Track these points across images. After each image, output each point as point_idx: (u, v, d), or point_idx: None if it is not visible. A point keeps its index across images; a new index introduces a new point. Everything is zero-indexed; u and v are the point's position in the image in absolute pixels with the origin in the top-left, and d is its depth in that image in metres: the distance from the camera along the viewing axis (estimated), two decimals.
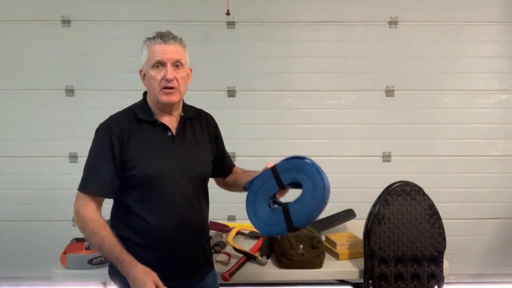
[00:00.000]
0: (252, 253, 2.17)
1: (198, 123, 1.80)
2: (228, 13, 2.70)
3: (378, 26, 3.46)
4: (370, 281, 2.04)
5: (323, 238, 2.27)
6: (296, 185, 1.63)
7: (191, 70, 1.77)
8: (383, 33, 3.46)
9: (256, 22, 3.44)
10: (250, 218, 1.66)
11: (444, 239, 2.05)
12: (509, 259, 3.62)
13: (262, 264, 2.11)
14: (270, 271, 2.09)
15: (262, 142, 3.44)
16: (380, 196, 2.08)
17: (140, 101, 1.75)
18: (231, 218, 3.40)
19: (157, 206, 1.64)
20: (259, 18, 3.44)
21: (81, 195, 1.62)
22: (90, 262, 2.01)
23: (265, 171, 1.67)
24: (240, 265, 2.07)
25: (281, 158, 1.68)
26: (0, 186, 3.46)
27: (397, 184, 2.06)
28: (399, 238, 2.03)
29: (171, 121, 1.72)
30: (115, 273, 1.65)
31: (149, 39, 1.67)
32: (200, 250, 1.76)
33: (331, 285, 2.38)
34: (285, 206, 1.59)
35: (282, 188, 1.65)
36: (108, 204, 1.72)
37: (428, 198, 2.06)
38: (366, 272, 2.05)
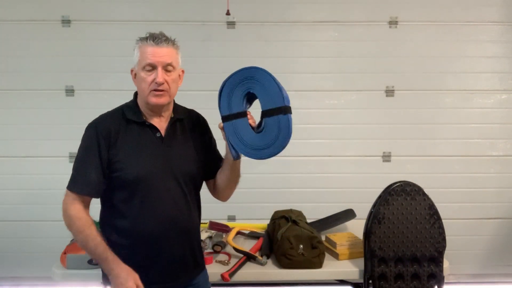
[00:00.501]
0: (252, 253, 2.17)
1: (189, 124, 1.79)
2: (228, 13, 2.71)
3: (378, 26, 3.46)
4: (370, 281, 2.04)
5: (323, 238, 2.27)
6: (250, 99, 1.70)
7: (183, 71, 1.75)
8: (383, 33, 3.46)
9: (256, 22, 3.44)
10: (267, 155, 1.65)
11: (444, 239, 2.05)
12: (509, 259, 3.62)
13: (262, 264, 2.11)
14: (270, 271, 2.09)
15: None
16: (380, 196, 2.08)
17: (130, 101, 1.74)
18: (231, 218, 3.41)
19: (144, 207, 1.64)
20: (259, 18, 3.44)
21: (69, 193, 1.63)
22: (90, 262, 2.01)
23: (225, 128, 1.68)
24: (240, 265, 2.07)
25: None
26: (0, 186, 3.46)
27: (397, 184, 2.06)
28: (399, 238, 2.03)
29: (160, 122, 1.71)
30: (106, 276, 1.66)
31: (141, 39, 1.65)
32: (188, 252, 1.74)
33: (331, 285, 2.38)
34: (264, 112, 1.64)
35: (246, 114, 1.68)
36: (98, 204, 1.72)
37: (428, 198, 2.06)
38: (366, 272, 2.05)
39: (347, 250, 2.20)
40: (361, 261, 2.10)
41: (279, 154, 1.65)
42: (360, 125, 3.51)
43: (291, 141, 1.66)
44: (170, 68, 1.64)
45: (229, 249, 2.26)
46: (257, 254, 2.17)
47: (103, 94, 3.39)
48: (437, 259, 2.04)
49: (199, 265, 1.83)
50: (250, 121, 1.67)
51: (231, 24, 3.43)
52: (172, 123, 1.73)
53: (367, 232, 2.05)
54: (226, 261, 2.13)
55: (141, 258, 1.65)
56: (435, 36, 3.46)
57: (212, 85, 3.43)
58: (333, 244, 2.24)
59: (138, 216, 1.64)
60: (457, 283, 3.59)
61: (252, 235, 2.47)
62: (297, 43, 3.46)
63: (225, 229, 2.46)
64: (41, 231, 3.46)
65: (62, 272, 2.04)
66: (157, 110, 1.69)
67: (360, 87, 3.49)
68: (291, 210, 2.43)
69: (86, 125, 1.68)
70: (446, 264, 2.09)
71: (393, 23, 3.46)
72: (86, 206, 1.65)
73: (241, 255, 2.15)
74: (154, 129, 1.69)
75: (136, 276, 1.57)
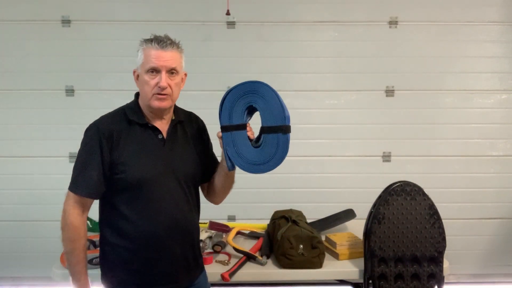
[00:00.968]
0: (252, 253, 2.17)
1: (188, 126, 1.79)
2: (228, 13, 2.70)
3: (378, 26, 3.46)
4: (370, 281, 2.04)
5: (323, 238, 2.27)
6: (250, 111, 1.69)
7: (185, 74, 1.74)
8: (383, 33, 3.46)
9: (256, 22, 3.44)
10: (263, 170, 1.66)
11: (444, 239, 2.05)
12: (509, 259, 3.63)
13: (262, 264, 2.11)
14: (270, 271, 2.09)
15: None
16: (380, 196, 2.07)
17: (131, 103, 1.73)
18: (231, 218, 3.41)
19: (146, 209, 1.63)
20: (259, 18, 3.44)
21: (71, 195, 1.62)
22: (90, 262, 2.01)
23: (223, 138, 1.68)
24: (240, 265, 2.07)
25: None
26: (0, 186, 3.46)
27: (397, 184, 2.06)
28: (399, 238, 2.03)
29: (162, 124, 1.70)
30: (106, 278, 1.68)
31: (146, 41, 1.64)
32: (190, 253, 1.74)
33: (331, 285, 2.38)
34: (264, 128, 1.63)
35: (245, 126, 1.67)
36: (97, 205, 1.72)
37: (428, 198, 2.06)
38: (366, 272, 2.05)
39: (347, 250, 2.20)
40: (361, 261, 2.10)
41: None
42: (360, 125, 3.51)
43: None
44: (173, 72, 1.64)
45: (229, 249, 2.26)
46: (257, 254, 2.17)
47: (103, 94, 3.39)
48: (437, 259, 2.04)
49: (199, 266, 1.83)
50: (249, 133, 1.67)
51: (231, 24, 3.43)
52: (174, 125, 1.73)
53: (367, 232, 2.05)
54: (226, 261, 2.13)
55: (144, 260, 1.65)
56: (435, 36, 3.46)
57: (212, 85, 3.47)
58: (333, 244, 2.24)
59: (141, 218, 1.63)
60: (457, 283, 3.59)
61: (252, 235, 2.47)
62: (297, 43, 3.46)
63: (225, 229, 2.46)
64: (41, 231, 3.46)
65: (62, 272, 2.04)
66: (159, 113, 1.69)
67: (360, 87, 3.49)
68: (291, 210, 2.43)
69: (86, 125, 1.67)
70: (446, 264, 2.09)
71: (393, 23, 3.46)
72: (86, 210, 1.65)
73: (241, 255, 2.15)
74: (156, 130, 1.69)
75: None
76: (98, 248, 2.11)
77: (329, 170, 3.54)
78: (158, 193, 1.64)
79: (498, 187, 3.55)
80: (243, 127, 1.67)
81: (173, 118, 1.74)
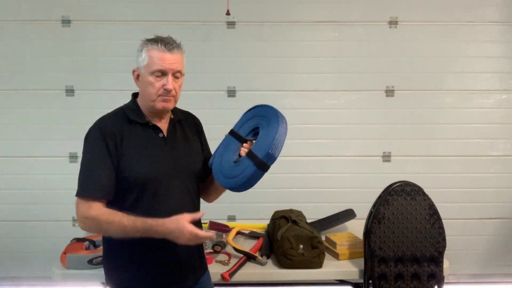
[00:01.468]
0: (252, 253, 2.17)
1: (187, 124, 1.80)
2: (228, 13, 2.71)
3: (378, 26, 3.46)
4: (370, 281, 2.04)
5: (323, 238, 2.27)
6: (256, 133, 1.70)
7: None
8: (383, 33, 3.46)
9: (256, 22, 3.44)
10: (221, 182, 1.67)
11: (444, 239, 2.05)
12: (509, 259, 3.63)
13: (262, 264, 2.11)
14: (270, 271, 2.09)
15: None
16: (380, 196, 2.08)
17: (130, 103, 1.73)
18: (231, 218, 3.41)
19: (151, 208, 1.62)
20: (259, 18, 3.44)
21: (81, 201, 1.57)
22: (90, 262, 2.01)
23: (225, 138, 1.76)
24: (240, 265, 2.07)
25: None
26: (0, 186, 3.46)
27: (397, 184, 2.06)
28: (399, 238, 2.03)
29: (161, 123, 1.71)
30: (111, 279, 1.67)
31: (150, 42, 1.62)
32: (195, 252, 1.75)
33: (331, 285, 2.37)
34: (249, 151, 1.63)
35: (245, 142, 1.70)
36: None
37: (428, 198, 2.06)
38: (366, 272, 2.05)
39: (347, 250, 2.20)
40: (361, 261, 2.10)
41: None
42: (360, 125, 3.51)
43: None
44: (178, 74, 1.65)
45: (229, 249, 2.26)
46: (257, 254, 2.17)
47: (103, 94, 3.39)
48: (437, 259, 2.04)
49: (204, 265, 1.84)
50: (242, 149, 1.68)
51: (231, 24, 3.43)
52: (173, 124, 1.74)
53: (367, 232, 2.05)
54: (226, 261, 2.13)
55: (150, 260, 1.64)
56: (435, 36, 3.46)
57: (212, 85, 3.48)
58: (333, 244, 2.24)
59: (146, 216, 1.60)
60: (457, 283, 3.59)
61: (252, 235, 2.47)
62: (297, 43, 3.46)
63: (225, 229, 2.46)
64: (41, 231, 3.46)
65: (62, 272, 2.03)
66: (160, 113, 1.69)
67: (360, 87, 3.49)
68: (291, 210, 2.43)
69: (86, 125, 1.67)
70: (446, 264, 2.09)
71: (393, 23, 3.46)
72: (102, 205, 1.59)
73: (241, 255, 2.15)
74: (157, 129, 1.69)
75: (184, 218, 1.52)
76: (99, 248, 2.12)
77: (329, 170, 3.54)
78: (162, 191, 1.64)
79: (498, 187, 3.55)
80: (243, 141, 1.71)
81: (172, 117, 1.75)
